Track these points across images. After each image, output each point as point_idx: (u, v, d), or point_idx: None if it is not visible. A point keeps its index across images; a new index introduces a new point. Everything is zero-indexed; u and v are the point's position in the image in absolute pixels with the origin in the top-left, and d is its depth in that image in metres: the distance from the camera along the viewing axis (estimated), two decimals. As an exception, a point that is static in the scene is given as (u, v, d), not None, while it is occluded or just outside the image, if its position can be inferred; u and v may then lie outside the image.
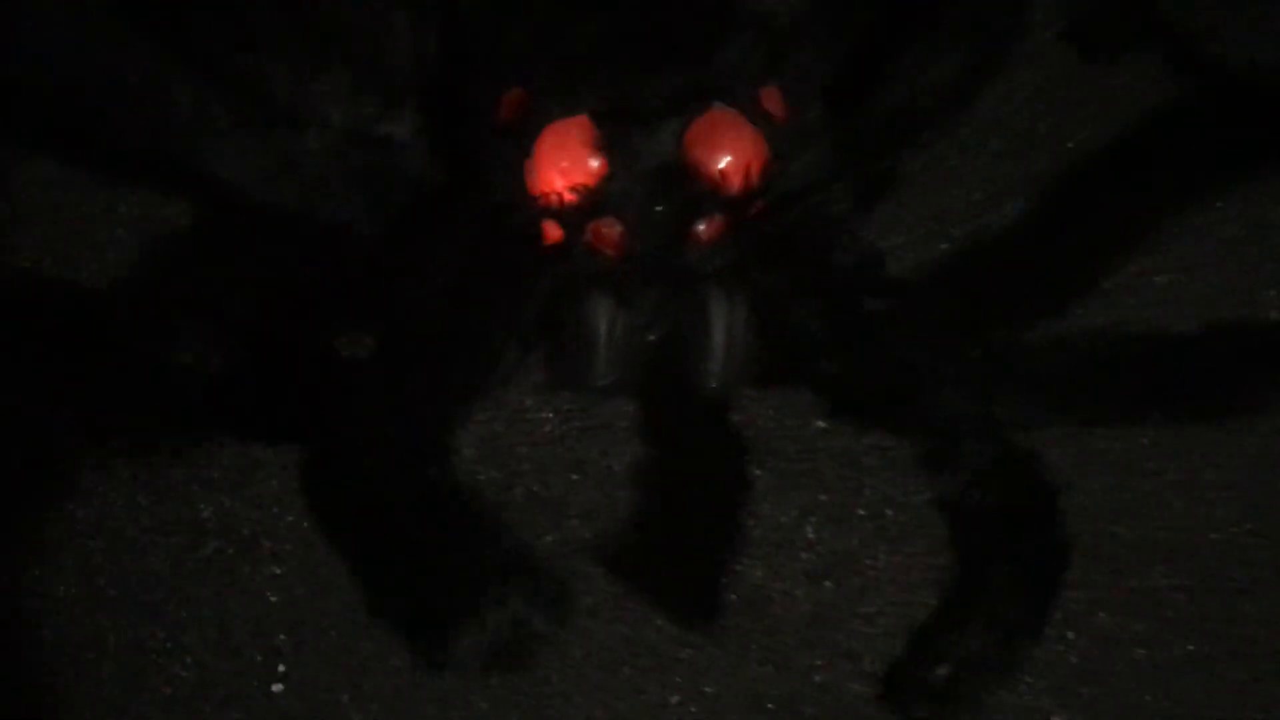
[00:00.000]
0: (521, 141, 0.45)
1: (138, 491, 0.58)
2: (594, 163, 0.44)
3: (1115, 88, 0.72)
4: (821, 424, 0.61)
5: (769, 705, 0.54)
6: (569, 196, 0.44)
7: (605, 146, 0.44)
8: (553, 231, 0.45)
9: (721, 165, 0.45)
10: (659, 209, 0.44)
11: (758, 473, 0.60)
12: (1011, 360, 0.54)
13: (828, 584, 0.57)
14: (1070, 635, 0.55)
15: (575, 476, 0.60)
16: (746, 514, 0.59)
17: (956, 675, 0.47)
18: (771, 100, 0.46)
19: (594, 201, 0.44)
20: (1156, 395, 0.55)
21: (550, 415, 0.61)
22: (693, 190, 0.44)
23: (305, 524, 0.58)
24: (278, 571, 0.57)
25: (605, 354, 0.45)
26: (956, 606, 0.50)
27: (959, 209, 0.69)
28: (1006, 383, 0.53)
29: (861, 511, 0.59)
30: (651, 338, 0.45)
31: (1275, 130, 0.67)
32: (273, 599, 0.57)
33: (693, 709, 0.54)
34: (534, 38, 0.46)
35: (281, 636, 0.56)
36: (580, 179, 0.44)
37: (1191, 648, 0.55)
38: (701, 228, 0.45)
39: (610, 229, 0.45)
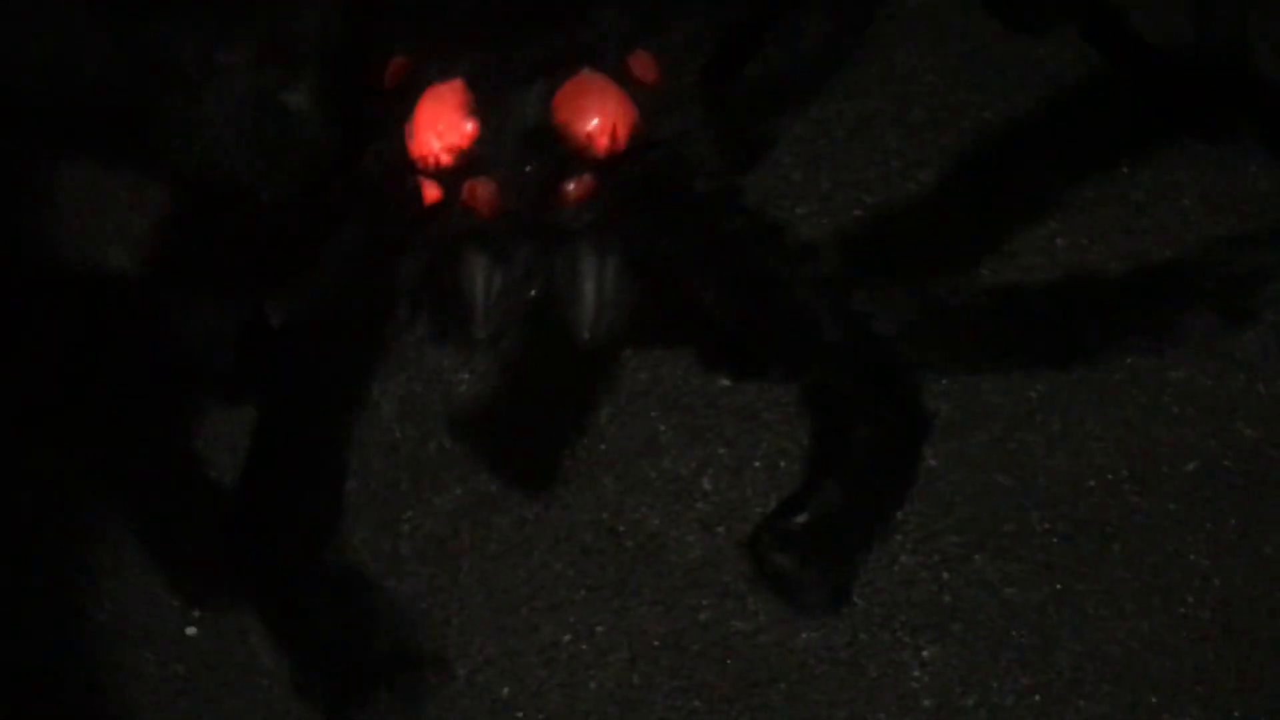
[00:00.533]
0: (403, 106, 0.48)
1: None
2: (468, 125, 0.47)
3: (1038, 59, 0.75)
4: (725, 382, 0.64)
5: (654, 643, 0.57)
6: (445, 158, 0.47)
7: (478, 109, 0.46)
8: (431, 192, 0.48)
9: (589, 127, 0.47)
10: (529, 169, 0.47)
11: (661, 426, 0.64)
12: (913, 315, 0.56)
13: (720, 530, 0.60)
14: (945, 576, 0.58)
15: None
16: (648, 465, 0.62)
17: (815, 524, 0.50)
18: (641, 65, 0.49)
19: (468, 162, 0.47)
20: (1047, 348, 0.57)
21: (466, 376, 0.64)
22: (561, 151, 0.47)
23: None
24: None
25: (483, 309, 0.47)
26: (819, 465, 0.53)
27: (875, 177, 0.72)
28: (909, 336, 0.56)
29: (757, 464, 0.62)
30: (531, 293, 0.48)
31: (1185, 102, 0.70)
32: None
33: (583, 646, 0.57)
34: (416, 5, 0.49)
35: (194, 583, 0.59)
36: (455, 141, 0.47)
37: (1059, 587, 0.58)
38: (571, 186, 0.47)
39: (484, 188, 0.47)
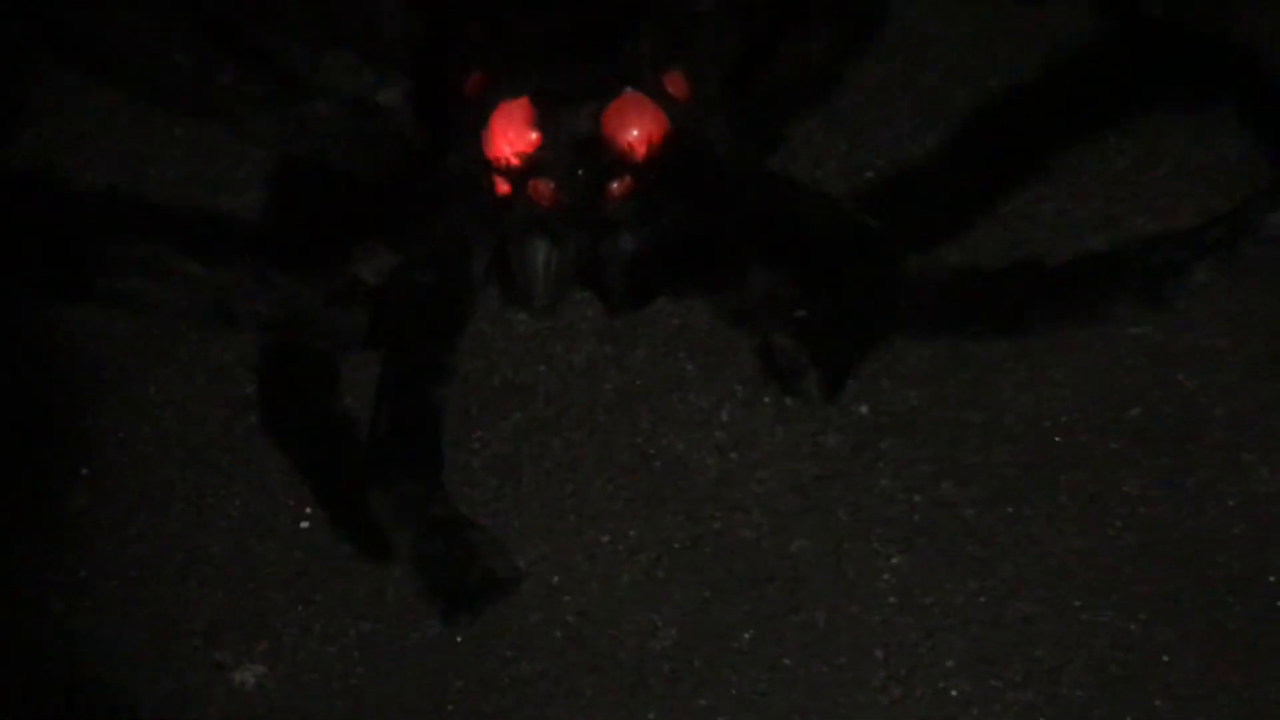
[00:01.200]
0: (480, 115, 0.59)
1: (196, 373, 0.74)
2: (532, 135, 0.58)
3: (1044, 28, 0.82)
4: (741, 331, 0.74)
5: (675, 545, 0.68)
6: (514, 160, 0.58)
7: (540, 122, 0.58)
8: (502, 186, 0.60)
9: (630, 138, 0.58)
10: (580, 171, 0.58)
11: (688, 366, 0.74)
12: (910, 276, 0.63)
13: (733, 455, 0.71)
14: (916, 499, 0.69)
15: (542, 367, 0.74)
16: (676, 400, 0.73)
17: (812, 320, 0.54)
18: (674, 83, 0.59)
19: (532, 165, 0.58)
20: (1031, 311, 0.62)
21: (524, 318, 0.75)
22: (606, 157, 0.58)
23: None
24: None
25: (542, 282, 0.59)
26: (812, 286, 0.57)
27: (887, 140, 0.79)
28: (903, 297, 0.64)
29: (767, 399, 0.72)
30: (580, 268, 0.59)
31: (1176, 68, 0.76)
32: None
33: (619, 547, 0.69)
34: (491, 33, 0.60)
35: (306, 490, 0.71)
36: (522, 147, 0.58)
37: (1010, 510, 0.69)
38: (614, 185, 0.59)
39: (545, 186, 0.58)
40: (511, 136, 0.57)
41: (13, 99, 0.79)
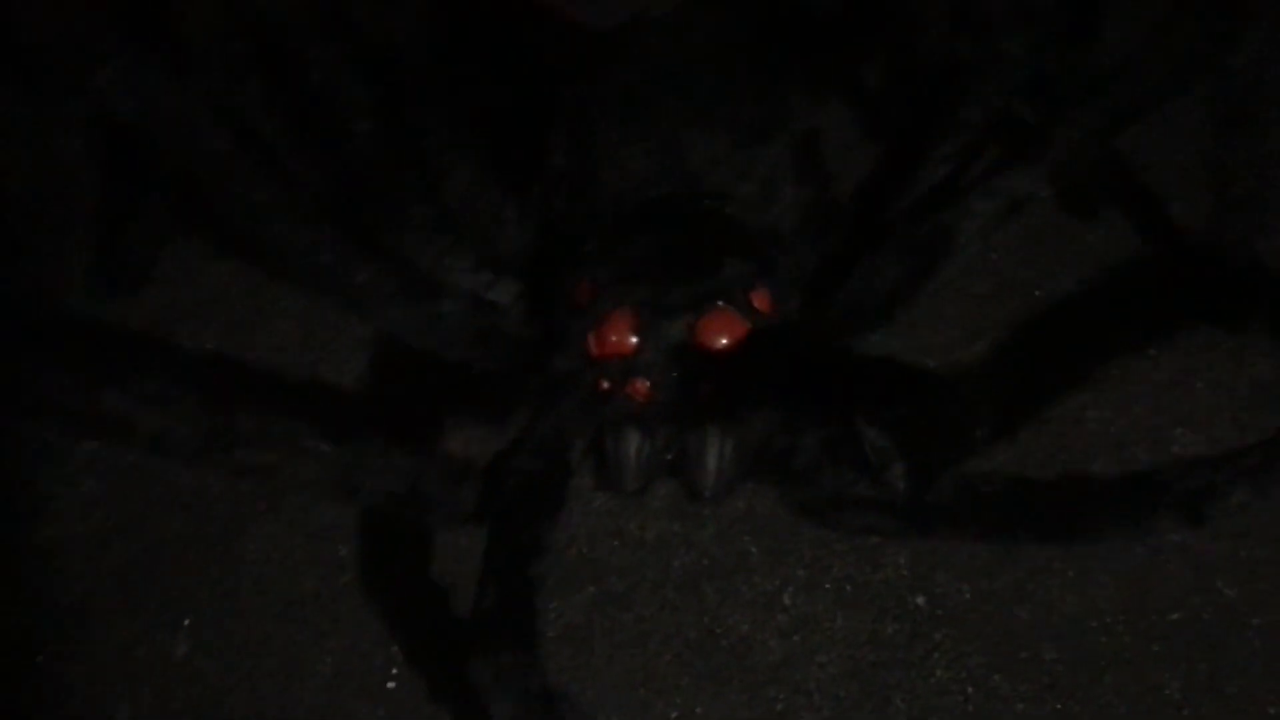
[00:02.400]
0: (588, 320, 0.66)
1: (296, 533, 0.79)
2: (633, 340, 0.65)
3: (1089, 242, 0.88)
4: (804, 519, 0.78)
5: None
6: (616, 362, 0.65)
7: (642, 331, 0.65)
8: (603, 384, 0.66)
9: (720, 346, 0.65)
10: (674, 374, 0.65)
11: (753, 548, 0.79)
12: (958, 481, 0.65)
13: (795, 638, 0.74)
14: (970, 690, 0.72)
15: (615, 542, 0.78)
16: (741, 580, 0.77)
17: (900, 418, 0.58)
18: (761, 299, 0.67)
19: (632, 367, 0.65)
20: (1077, 522, 0.64)
21: (601, 495, 0.80)
22: (698, 362, 0.65)
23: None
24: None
25: (633, 471, 0.65)
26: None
27: (940, 344, 0.85)
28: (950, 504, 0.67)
29: (828, 585, 0.76)
30: (668, 458, 0.65)
31: (1209, 291, 0.82)
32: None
33: None
34: (601, 250, 0.67)
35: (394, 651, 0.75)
36: (624, 351, 0.65)
37: (1059, 706, 0.71)
38: (703, 386, 0.65)
39: (642, 385, 0.65)
40: (616, 341, 0.64)
41: (142, 262, 0.86)
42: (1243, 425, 0.81)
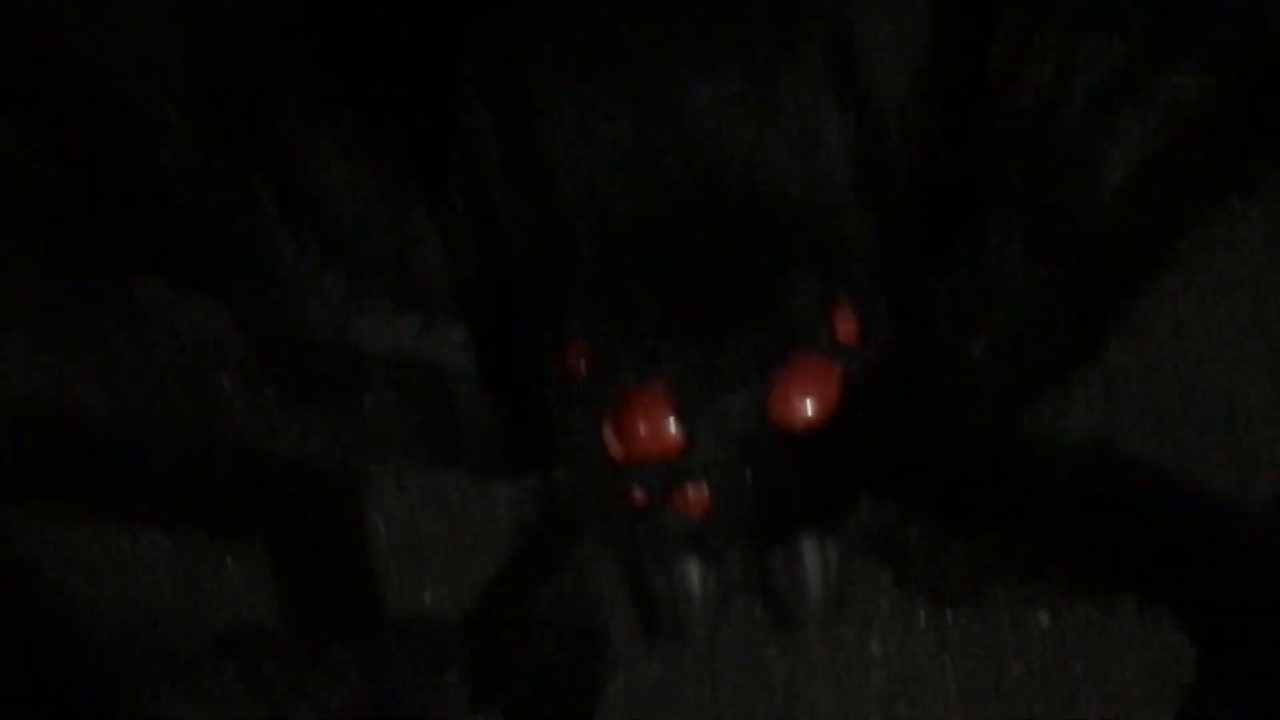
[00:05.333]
0: (595, 403, 0.43)
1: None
2: (676, 432, 0.43)
3: None
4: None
5: None
6: (654, 466, 0.43)
7: (686, 417, 0.42)
8: (639, 496, 0.44)
9: (808, 417, 0.43)
10: (746, 473, 0.43)
11: None
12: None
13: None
14: None
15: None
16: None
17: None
18: (845, 326, 0.45)
19: (679, 471, 0.43)
20: None
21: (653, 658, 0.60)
22: (778, 448, 0.43)
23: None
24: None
25: (700, 612, 0.44)
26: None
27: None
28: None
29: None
30: (745, 591, 0.44)
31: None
32: None
33: None
34: (585, 282, 0.44)
35: None
36: (663, 449, 0.43)
37: None
38: (787, 480, 0.44)
39: (697, 495, 0.43)
40: (647, 435, 0.42)
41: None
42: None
